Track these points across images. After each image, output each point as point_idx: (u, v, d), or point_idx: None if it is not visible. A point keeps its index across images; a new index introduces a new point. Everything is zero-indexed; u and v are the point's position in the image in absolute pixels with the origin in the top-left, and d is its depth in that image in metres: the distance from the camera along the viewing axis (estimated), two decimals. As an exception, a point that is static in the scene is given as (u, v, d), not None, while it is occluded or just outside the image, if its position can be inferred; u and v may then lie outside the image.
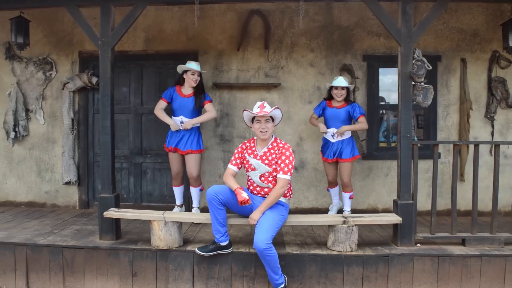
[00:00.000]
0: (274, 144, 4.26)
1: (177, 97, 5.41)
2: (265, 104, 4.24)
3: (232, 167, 4.35)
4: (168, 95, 5.45)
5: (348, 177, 5.50)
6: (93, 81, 6.19)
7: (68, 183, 6.35)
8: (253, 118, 4.25)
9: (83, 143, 6.44)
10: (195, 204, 5.58)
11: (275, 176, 4.20)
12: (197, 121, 5.39)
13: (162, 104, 5.45)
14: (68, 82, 6.24)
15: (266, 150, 4.25)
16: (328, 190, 5.87)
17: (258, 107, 4.22)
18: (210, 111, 5.42)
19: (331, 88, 5.49)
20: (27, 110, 6.44)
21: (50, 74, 6.40)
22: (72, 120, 6.32)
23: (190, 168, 5.42)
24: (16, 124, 6.37)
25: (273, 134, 4.38)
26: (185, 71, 5.38)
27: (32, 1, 4.88)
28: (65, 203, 6.49)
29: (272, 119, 4.28)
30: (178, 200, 5.68)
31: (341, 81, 5.40)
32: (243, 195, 4.04)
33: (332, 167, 5.61)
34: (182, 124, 5.34)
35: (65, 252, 4.57)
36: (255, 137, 4.41)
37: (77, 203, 6.48)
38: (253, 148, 4.33)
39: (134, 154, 6.47)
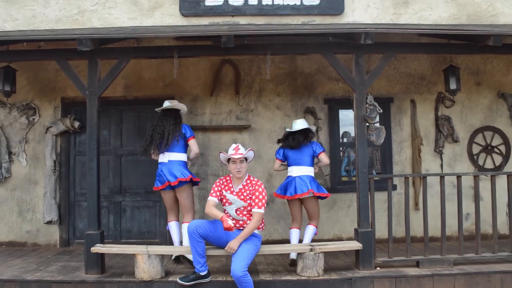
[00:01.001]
0: (248, 182, 4.77)
1: None
2: (240, 146, 4.77)
3: (213, 199, 4.78)
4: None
5: None
6: (75, 125, 6.60)
7: (49, 222, 6.62)
8: (229, 158, 4.76)
9: (65, 184, 6.78)
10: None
11: (249, 210, 4.69)
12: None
13: None
14: (51, 126, 6.62)
15: (242, 186, 4.74)
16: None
17: (233, 149, 4.74)
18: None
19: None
20: (10, 153, 6.75)
21: (33, 119, 6.77)
22: (54, 162, 6.66)
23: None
24: (-1, 167, 6.67)
25: (246, 172, 4.89)
26: None
27: (26, 55, 5.37)
28: (46, 242, 6.73)
29: (246, 159, 4.80)
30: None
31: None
32: (229, 223, 4.45)
33: None
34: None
35: (53, 287, 4.86)
36: (231, 175, 4.90)
37: (58, 242, 6.73)
38: (230, 185, 4.81)
39: (113, 193, 6.83)
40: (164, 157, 5.42)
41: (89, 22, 6.31)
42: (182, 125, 5.52)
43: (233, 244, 4.56)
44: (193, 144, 5.49)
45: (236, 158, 4.67)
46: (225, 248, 4.62)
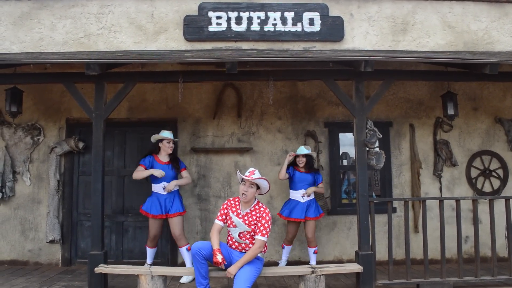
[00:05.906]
0: (257, 207, 4.79)
1: (158, 164, 5.87)
2: (256, 172, 4.77)
3: (218, 222, 4.83)
4: (148, 163, 5.88)
5: (313, 233, 6.14)
6: (79, 146, 6.70)
7: (52, 241, 6.66)
8: (242, 179, 4.81)
9: (68, 203, 6.85)
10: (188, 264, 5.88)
11: (252, 235, 4.73)
12: (178, 182, 5.92)
13: (141, 169, 5.84)
14: (56, 147, 6.73)
15: (249, 211, 4.77)
16: (283, 247, 6.37)
17: (248, 172, 4.77)
18: (187, 177, 6.05)
19: (295, 156, 6.22)
20: (14, 172, 6.83)
21: (38, 139, 6.87)
22: (58, 181, 6.75)
23: (176, 229, 5.85)
24: (3, 186, 6.73)
25: (256, 198, 4.87)
26: (161, 140, 5.91)
27: (33, 78, 5.48)
28: (48, 261, 6.76)
29: (258, 186, 4.80)
30: (150, 259, 6.08)
31: (302, 150, 6.16)
32: (218, 258, 4.58)
33: (297, 226, 6.21)
34: (164, 188, 5.84)
35: (56, 307, 4.92)
36: (240, 197, 4.93)
37: (60, 261, 6.76)
38: (237, 207, 4.84)
39: (116, 213, 6.90)
40: None
41: (95, 45, 6.44)
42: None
43: (232, 270, 4.58)
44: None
45: (247, 180, 4.72)
46: (226, 273, 4.65)
